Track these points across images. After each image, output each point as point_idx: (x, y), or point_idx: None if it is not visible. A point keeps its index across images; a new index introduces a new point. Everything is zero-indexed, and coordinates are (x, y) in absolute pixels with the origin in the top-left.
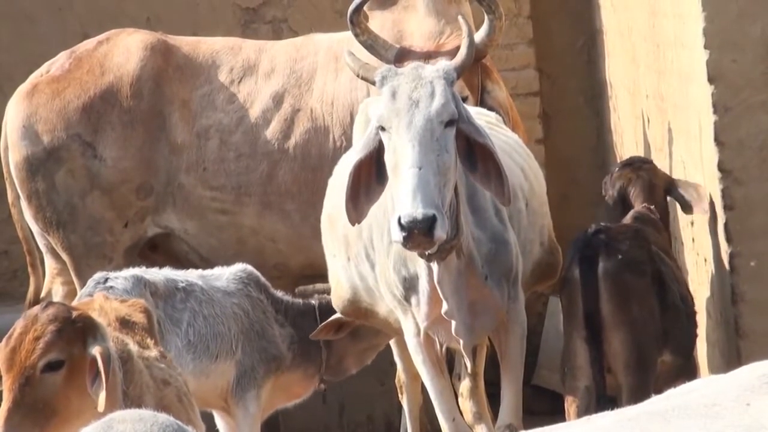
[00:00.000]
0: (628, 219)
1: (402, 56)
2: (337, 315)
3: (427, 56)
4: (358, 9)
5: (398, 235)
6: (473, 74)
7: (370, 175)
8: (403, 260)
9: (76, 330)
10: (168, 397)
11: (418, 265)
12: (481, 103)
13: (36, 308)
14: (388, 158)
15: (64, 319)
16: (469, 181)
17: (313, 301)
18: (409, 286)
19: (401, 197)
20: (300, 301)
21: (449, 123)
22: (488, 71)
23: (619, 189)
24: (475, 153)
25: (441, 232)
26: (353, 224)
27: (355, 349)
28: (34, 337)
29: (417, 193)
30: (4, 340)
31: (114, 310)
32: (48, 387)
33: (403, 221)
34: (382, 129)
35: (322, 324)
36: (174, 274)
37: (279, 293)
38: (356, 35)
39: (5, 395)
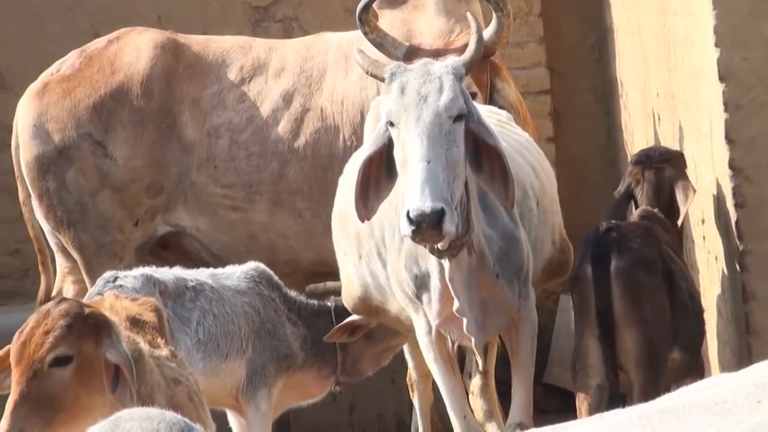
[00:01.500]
0: (635, 217)
1: (411, 54)
2: (352, 317)
3: (436, 54)
4: (367, 7)
5: (407, 229)
6: (482, 71)
7: (380, 171)
8: (414, 258)
9: (87, 326)
10: (178, 396)
11: (430, 262)
12: (491, 101)
13: (49, 303)
14: (397, 153)
15: (76, 314)
16: None
17: (329, 303)
18: (421, 284)
19: (410, 191)
20: (315, 302)
21: (458, 118)
22: (497, 69)
23: (627, 186)
24: (481, 153)
25: (450, 226)
26: (362, 221)
27: (371, 352)
28: (44, 331)
29: (425, 187)
30: (16, 333)
31: (125, 309)
32: (56, 381)
33: (411, 215)
34: (391, 124)
35: (336, 326)
36: (184, 273)
37: (293, 293)
38: (365, 33)
39: (13, 388)
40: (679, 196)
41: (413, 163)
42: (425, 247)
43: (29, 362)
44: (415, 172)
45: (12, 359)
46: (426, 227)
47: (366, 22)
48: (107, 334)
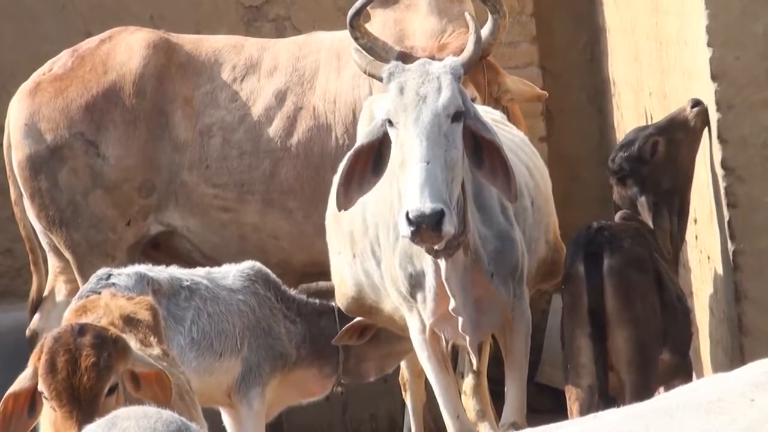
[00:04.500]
0: (617, 219)
1: (402, 59)
2: (359, 318)
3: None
4: (359, 13)
5: (406, 230)
6: (479, 73)
7: (367, 165)
8: (409, 257)
9: (118, 350)
10: None
11: (425, 261)
12: (496, 102)
13: (66, 332)
14: (395, 154)
15: (107, 339)
16: (475, 179)
17: (333, 303)
18: (415, 282)
19: (409, 192)
20: (317, 301)
21: (456, 117)
22: (495, 68)
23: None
24: (481, 149)
25: (449, 227)
26: (340, 210)
27: (375, 354)
28: (91, 364)
29: (425, 188)
30: (44, 367)
31: (119, 307)
32: (109, 409)
33: (411, 216)
34: (390, 124)
35: (344, 328)
36: (179, 273)
37: (292, 291)
38: (356, 38)
39: (72, 424)
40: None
41: (412, 164)
42: (422, 247)
43: (88, 396)
44: (414, 173)
45: (58, 396)
46: (425, 228)
47: (357, 27)
48: (131, 352)
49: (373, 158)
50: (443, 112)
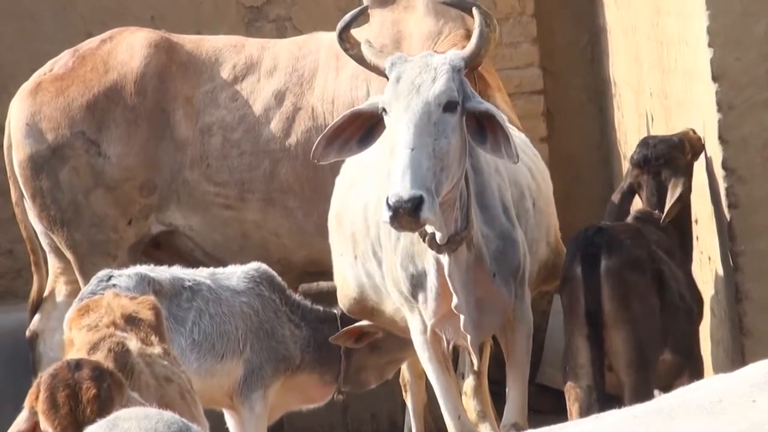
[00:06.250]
0: (630, 219)
1: None
2: (361, 322)
3: None
4: (348, 26)
5: (385, 215)
6: (470, 83)
7: (357, 132)
8: (410, 257)
9: (115, 382)
10: (170, 395)
11: (427, 261)
12: None
13: (62, 368)
14: (388, 142)
15: (106, 373)
16: (478, 179)
17: (336, 311)
18: (417, 282)
19: (392, 177)
20: (321, 308)
21: (450, 108)
22: (486, 82)
23: (629, 185)
24: (484, 126)
25: (428, 214)
26: (312, 159)
27: (375, 362)
28: (92, 396)
29: (406, 174)
30: (46, 404)
31: (121, 307)
32: None
33: (390, 201)
34: (385, 112)
35: (344, 329)
36: (181, 273)
37: (298, 296)
38: (346, 50)
39: None
40: (668, 195)
41: (398, 151)
42: (423, 241)
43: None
44: (398, 159)
45: (60, 429)
46: (403, 213)
47: (347, 39)
48: (126, 387)
49: (365, 131)
50: (434, 101)
